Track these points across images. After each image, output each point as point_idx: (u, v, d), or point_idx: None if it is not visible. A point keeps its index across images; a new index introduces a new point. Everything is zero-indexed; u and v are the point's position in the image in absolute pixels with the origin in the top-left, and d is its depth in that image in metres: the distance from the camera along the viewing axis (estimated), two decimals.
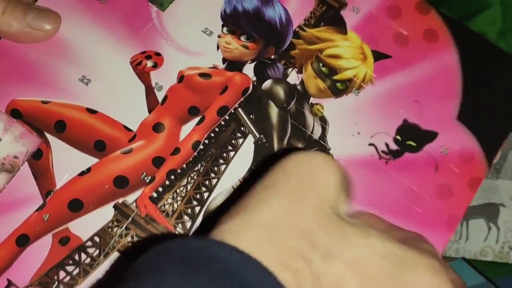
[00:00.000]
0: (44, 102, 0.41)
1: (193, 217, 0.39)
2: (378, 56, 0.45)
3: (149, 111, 0.41)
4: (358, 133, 0.43)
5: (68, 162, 0.40)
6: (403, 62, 0.45)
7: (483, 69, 0.45)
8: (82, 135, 0.40)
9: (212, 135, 0.41)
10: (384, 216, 0.36)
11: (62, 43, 0.42)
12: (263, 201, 0.27)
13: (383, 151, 0.43)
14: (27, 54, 0.41)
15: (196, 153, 0.41)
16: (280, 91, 0.43)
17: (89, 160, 0.40)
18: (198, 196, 0.40)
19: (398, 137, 0.43)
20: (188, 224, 0.39)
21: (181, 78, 0.42)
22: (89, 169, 0.39)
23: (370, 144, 0.43)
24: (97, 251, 0.38)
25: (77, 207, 0.38)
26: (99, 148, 0.40)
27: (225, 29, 0.44)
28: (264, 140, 0.41)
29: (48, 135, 0.40)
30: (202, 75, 0.42)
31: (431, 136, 0.43)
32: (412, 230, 0.36)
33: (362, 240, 0.26)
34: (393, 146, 0.43)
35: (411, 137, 0.43)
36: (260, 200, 0.28)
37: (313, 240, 0.26)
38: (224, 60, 0.43)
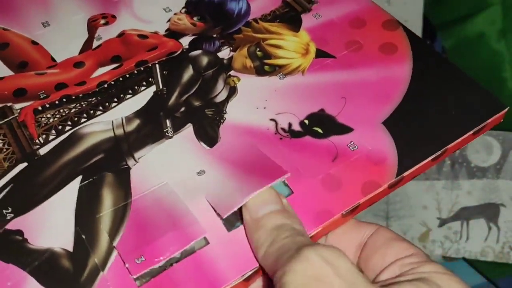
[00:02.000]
0: (4, 29, 0.46)
1: (59, 133, 0.39)
2: (321, 54, 0.42)
3: (80, 53, 0.44)
4: (264, 108, 0.39)
5: None
6: (346, 64, 0.41)
7: (432, 87, 0.40)
8: (15, 55, 0.44)
9: (121, 79, 0.42)
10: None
11: None
12: None
13: (282, 128, 0.38)
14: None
15: (97, 89, 0.41)
16: (204, 60, 0.42)
17: None
18: (76, 119, 0.39)
19: (306, 121, 0.38)
20: (52, 137, 0.38)
21: (121, 34, 0.45)
22: (2, 78, 0.42)
23: (271, 119, 0.39)
24: None
25: None
26: (21, 66, 0.43)
27: (183, 10, 0.46)
28: (165, 93, 0.40)
29: None
30: (140, 35, 0.44)
31: (344, 129, 0.38)
32: None
33: None
34: (296, 127, 0.38)
35: (321, 124, 0.38)
36: None
37: None
38: (167, 31, 0.45)
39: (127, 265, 0.32)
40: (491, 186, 0.66)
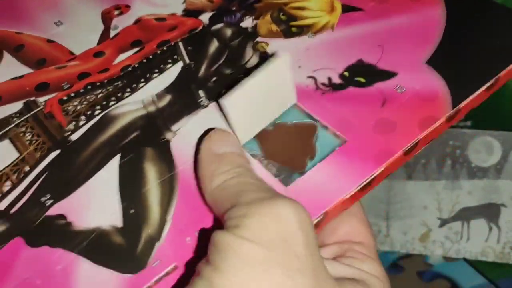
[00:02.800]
0: (17, 33, 0.44)
1: (89, 118, 0.37)
2: (348, 8, 0.41)
3: (98, 44, 0.42)
4: (299, 67, 0.37)
5: (12, 76, 0.41)
6: (376, 15, 0.40)
7: (470, 23, 0.38)
8: (31, 54, 0.42)
9: (145, 61, 0.40)
10: None
11: None
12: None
13: (322, 83, 0.36)
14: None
15: (122, 74, 0.39)
16: (227, 31, 0.41)
17: None
18: (104, 103, 0.38)
19: (345, 73, 0.37)
20: (82, 123, 0.36)
21: (137, 21, 0.43)
22: (22, 76, 0.40)
23: (309, 77, 0.37)
24: None
25: None
26: (40, 63, 0.41)
27: None
28: (193, 66, 0.39)
29: (6, 54, 0.43)
30: (158, 19, 0.43)
31: (387, 75, 0.36)
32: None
33: None
34: (337, 80, 0.36)
35: (362, 74, 0.36)
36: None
37: None
38: (184, 11, 0.43)
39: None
40: (491, 186, 0.65)
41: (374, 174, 0.31)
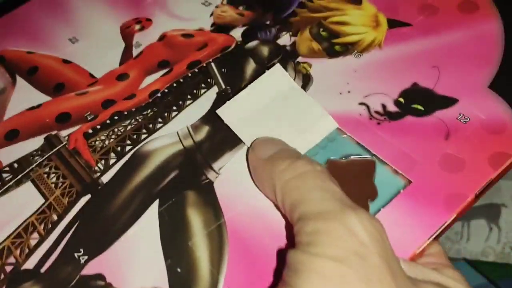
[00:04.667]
0: (28, 52, 0.40)
1: (120, 155, 0.33)
2: (394, 23, 0.37)
3: (120, 65, 0.38)
4: (349, 92, 0.34)
5: (27, 104, 0.37)
6: (426, 30, 0.36)
7: None
8: (47, 78, 0.38)
9: (175, 85, 0.36)
10: None
11: (61, 4, 0.43)
12: None
13: (376, 112, 0.33)
14: (28, 12, 0.43)
15: (151, 100, 0.36)
16: (264, 49, 0.37)
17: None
18: (134, 136, 0.34)
19: (401, 99, 0.33)
20: (112, 161, 0.33)
21: (162, 37, 0.39)
22: (39, 105, 0.37)
23: (361, 104, 0.33)
24: (10, 176, 0.33)
25: (11, 136, 0.35)
26: (58, 89, 0.37)
27: (225, 0, 0.41)
28: (230, 92, 0.35)
29: (19, 78, 0.39)
30: (185, 35, 0.39)
31: (447, 102, 0.33)
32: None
33: None
34: (392, 108, 0.33)
35: (419, 101, 0.33)
36: None
37: None
38: (213, 25, 0.40)
39: None
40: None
41: (446, 222, 0.28)
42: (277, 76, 0.33)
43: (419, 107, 0.33)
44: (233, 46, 0.38)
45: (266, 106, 0.32)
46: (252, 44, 0.37)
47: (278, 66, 0.34)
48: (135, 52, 0.39)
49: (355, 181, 0.30)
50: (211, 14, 0.40)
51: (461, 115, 0.32)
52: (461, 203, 0.29)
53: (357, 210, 0.24)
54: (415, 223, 0.28)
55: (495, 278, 0.63)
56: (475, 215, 0.67)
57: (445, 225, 0.28)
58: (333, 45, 0.36)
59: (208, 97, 0.35)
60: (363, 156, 0.31)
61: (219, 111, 0.33)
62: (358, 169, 0.31)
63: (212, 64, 0.37)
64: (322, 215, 0.24)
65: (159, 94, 0.36)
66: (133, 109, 0.35)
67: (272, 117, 0.32)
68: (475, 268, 0.67)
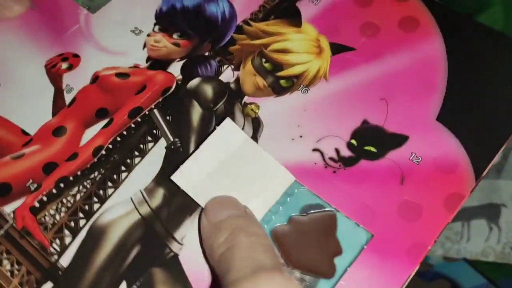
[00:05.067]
0: None
1: (75, 232, 0.32)
2: (338, 48, 0.36)
3: (54, 115, 0.36)
4: (300, 137, 0.33)
5: None
6: (370, 54, 0.36)
7: (474, 58, 0.35)
8: None
9: (119, 139, 0.34)
10: None
11: None
12: None
13: (331, 158, 0.33)
14: None
15: (96, 160, 0.34)
16: (208, 90, 0.35)
17: None
18: (86, 207, 0.32)
19: (353, 141, 0.33)
20: (68, 240, 0.31)
21: (95, 79, 0.36)
22: None
23: (314, 150, 0.33)
24: None
25: None
26: None
27: (157, 27, 0.38)
28: (179, 145, 0.34)
29: None
30: (119, 75, 0.36)
31: (398, 140, 0.33)
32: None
33: None
34: (346, 153, 0.33)
35: (371, 141, 0.33)
36: None
37: None
38: (148, 59, 0.37)
39: None
40: (492, 186, 0.64)
41: (411, 274, 0.30)
42: (229, 132, 0.33)
43: (372, 148, 0.33)
44: (174, 87, 0.36)
45: (221, 166, 0.32)
46: (194, 83, 0.36)
47: (228, 121, 0.33)
48: (67, 98, 0.36)
49: (318, 238, 0.31)
50: (144, 46, 0.38)
51: (413, 154, 0.32)
52: (423, 252, 0.30)
53: (271, 273, 0.25)
54: (382, 280, 0.29)
55: (495, 278, 0.64)
56: (475, 215, 0.67)
57: (410, 276, 0.30)
58: (278, 80, 0.35)
59: (157, 152, 0.34)
60: (323, 210, 0.31)
61: (173, 178, 0.32)
62: (320, 224, 0.31)
63: (155, 111, 0.35)
64: (238, 282, 0.25)
65: (103, 151, 0.34)
66: (79, 173, 0.33)
67: (229, 177, 0.32)
68: (475, 268, 0.67)
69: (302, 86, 0.35)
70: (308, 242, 0.31)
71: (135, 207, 0.32)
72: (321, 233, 0.31)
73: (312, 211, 0.31)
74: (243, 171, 0.32)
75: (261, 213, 0.31)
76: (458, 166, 0.32)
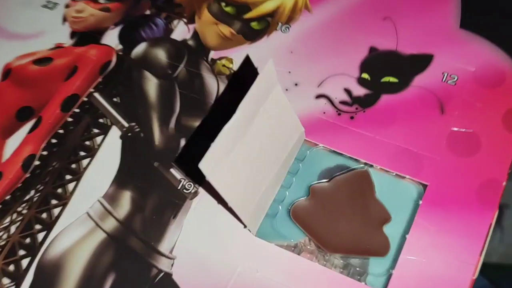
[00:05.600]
0: None
1: (16, 277, 0.22)
2: None
3: None
4: (296, 85, 0.25)
5: None
6: None
7: None
8: None
9: (54, 141, 0.25)
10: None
11: None
12: None
13: (342, 102, 0.25)
14: None
15: (28, 174, 0.24)
16: (159, 54, 0.27)
17: None
18: (27, 240, 0.23)
19: (364, 75, 0.25)
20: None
21: (6, 72, 0.27)
22: None
23: (318, 96, 0.25)
24: None
25: None
26: None
27: None
28: (138, 129, 0.25)
29: None
30: (38, 61, 0.27)
31: (421, 61, 0.25)
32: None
33: None
34: (359, 91, 0.25)
35: (387, 71, 0.25)
36: None
37: None
38: (73, 34, 0.28)
39: None
40: None
41: (492, 222, 0.22)
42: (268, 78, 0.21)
43: (391, 79, 0.25)
44: (114, 61, 0.27)
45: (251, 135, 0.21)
46: (140, 50, 0.27)
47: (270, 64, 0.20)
48: None
49: (354, 206, 0.23)
50: (64, 19, 0.28)
51: (446, 74, 0.25)
52: (498, 191, 0.22)
53: None
54: (455, 240, 0.21)
55: (498, 280, 0.60)
56: None
57: (492, 226, 0.22)
58: (248, 23, 0.27)
59: (111, 146, 0.25)
60: (348, 169, 0.23)
61: (201, 166, 0.18)
62: (350, 188, 0.23)
63: (97, 95, 0.26)
64: None
65: (37, 162, 0.25)
66: (8, 197, 0.24)
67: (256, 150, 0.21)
68: None
69: (280, 24, 0.27)
70: (340, 215, 0.22)
71: (96, 223, 0.23)
72: (355, 199, 0.23)
73: (336, 174, 0.23)
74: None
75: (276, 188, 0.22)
76: (504, 74, 0.24)
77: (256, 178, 0.21)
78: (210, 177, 0.18)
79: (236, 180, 0.20)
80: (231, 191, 0.20)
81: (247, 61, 0.24)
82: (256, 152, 0.20)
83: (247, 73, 0.24)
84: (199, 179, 0.23)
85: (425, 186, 0.22)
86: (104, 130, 0.25)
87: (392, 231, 0.22)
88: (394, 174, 0.23)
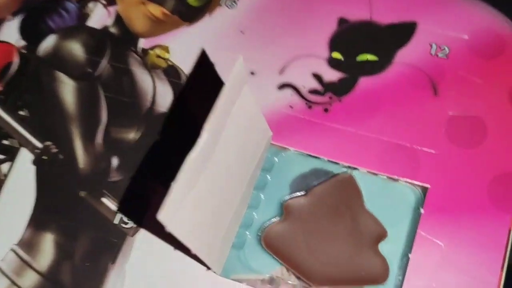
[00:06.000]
0: None
1: None
2: None
3: None
4: (252, 74, 0.20)
5: None
6: None
7: None
8: None
9: None
10: None
11: None
12: None
13: (312, 91, 0.20)
14: None
15: None
16: (74, 48, 0.21)
17: None
18: None
19: (335, 54, 0.20)
20: None
21: None
22: None
23: (281, 86, 0.20)
24: None
25: None
26: None
27: None
28: (55, 150, 0.19)
29: None
30: None
31: (403, 32, 0.20)
32: None
33: None
34: (331, 75, 0.20)
35: (363, 47, 0.20)
36: None
37: None
38: None
39: None
40: None
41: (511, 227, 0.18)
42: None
43: (368, 56, 0.20)
44: (16, 61, 0.21)
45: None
46: (48, 45, 0.21)
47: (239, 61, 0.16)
48: None
49: (336, 223, 0.18)
50: None
51: (434, 45, 0.20)
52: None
53: None
54: (474, 255, 0.17)
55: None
56: None
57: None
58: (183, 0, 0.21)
59: (21, 173, 0.19)
60: (329, 176, 0.18)
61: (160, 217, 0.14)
62: (333, 201, 0.18)
63: None
64: None
65: None
66: None
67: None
68: None
69: None
70: (324, 236, 0.18)
71: (12, 280, 0.17)
72: (340, 213, 0.18)
73: (313, 184, 0.18)
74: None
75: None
76: (503, 41, 0.20)
77: (222, 208, 0.16)
78: (171, 227, 0.13)
79: (200, 220, 0.15)
80: (194, 237, 0.14)
81: (202, 59, 0.19)
82: (223, 175, 0.16)
83: (203, 74, 0.19)
84: (140, 217, 0.17)
85: (425, 190, 0.18)
86: (11, 155, 0.19)
87: (390, 250, 0.18)
88: (385, 177, 0.18)
